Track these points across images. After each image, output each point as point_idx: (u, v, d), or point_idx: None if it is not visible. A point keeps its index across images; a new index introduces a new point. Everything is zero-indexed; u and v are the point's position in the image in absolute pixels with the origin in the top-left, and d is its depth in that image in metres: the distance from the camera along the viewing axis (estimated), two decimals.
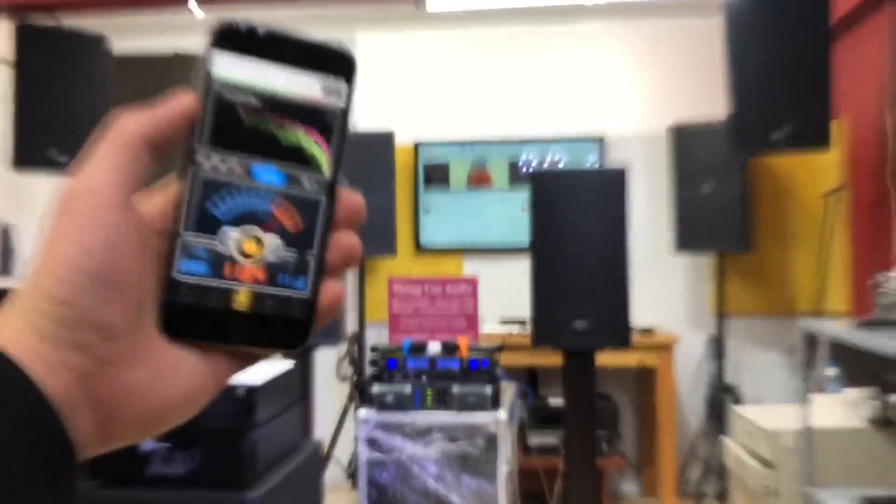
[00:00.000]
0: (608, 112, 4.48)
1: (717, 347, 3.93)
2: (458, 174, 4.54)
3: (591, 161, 4.42)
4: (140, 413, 0.36)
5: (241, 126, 0.38)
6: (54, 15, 3.71)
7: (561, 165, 4.41)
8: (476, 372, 2.71)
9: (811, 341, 2.94)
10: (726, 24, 3.28)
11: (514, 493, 2.89)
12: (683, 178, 3.95)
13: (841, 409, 2.97)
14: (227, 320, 0.38)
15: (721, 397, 3.79)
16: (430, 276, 3.38)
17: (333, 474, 4.00)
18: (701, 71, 4.33)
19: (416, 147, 4.53)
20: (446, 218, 4.54)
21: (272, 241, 0.38)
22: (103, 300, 0.33)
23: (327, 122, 0.39)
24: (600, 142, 4.42)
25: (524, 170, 4.45)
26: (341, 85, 0.40)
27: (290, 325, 0.39)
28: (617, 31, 4.50)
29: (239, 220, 0.38)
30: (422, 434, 2.66)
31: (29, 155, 3.47)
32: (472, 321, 3.22)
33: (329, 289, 0.40)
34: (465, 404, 2.66)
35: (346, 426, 3.98)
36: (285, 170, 0.39)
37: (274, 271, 0.38)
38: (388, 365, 2.75)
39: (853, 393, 3.00)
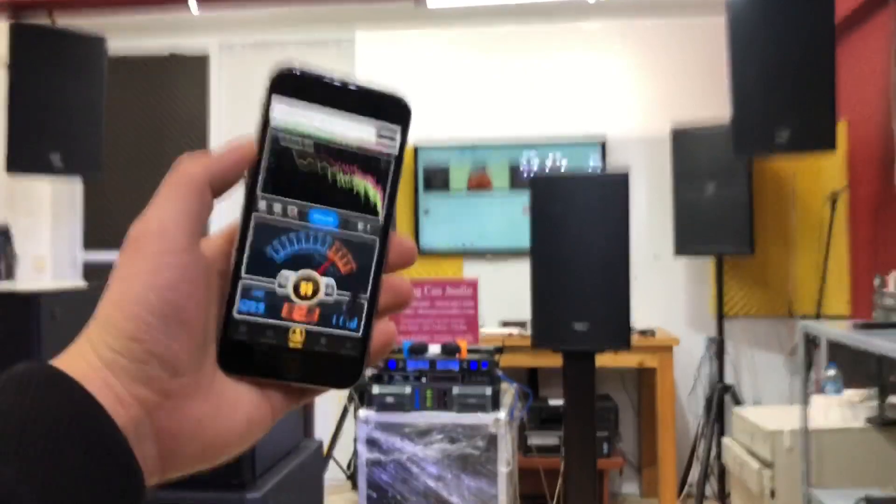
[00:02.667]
0: (609, 114, 4.48)
1: (718, 348, 3.93)
2: (458, 177, 4.54)
3: (592, 164, 4.42)
4: (201, 444, 0.37)
5: (298, 171, 0.39)
6: (50, 14, 3.69)
7: (562, 168, 4.41)
8: (476, 373, 2.72)
9: (811, 342, 2.94)
10: (729, 26, 3.28)
11: (514, 494, 2.90)
12: (685, 180, 3.95)
13: (840, 410, 2.97)
14: (283, 358, 0.39)
15: (721, 398, 3.79)
16: (430, 278, 3.39)
17: (333, 475, 4.01)
18: (703, 72, 4.33)
19: (416, 150, 4.53)
20: (446, 221, 4.54)
21: (327, 283, 0.40)
22: (170, 337, 0.35)
23: (381, 167, 0.41)
24: (602, 144, 4.42)
25: (525, 173, 4.45)
26: (396, 132, 0.41)
27: (343, 363, 0.41)
28: (618, 30, 4.50)
29: (296, 263, 0.39)
30: (422, 435, 2.66)
31: (24, 159, 3.42)
32: (472, 323, 3.22)
33: (383, 328, 0.42)
34: (465, 405, 2.66)
35: (346, 427, 3.98)
36: (341, 213, 0.40)
37: (328, 312, 0.40)
38: (388, 366, 2.76)
39: (852, 394, 3.00)
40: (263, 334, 0.39)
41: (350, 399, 4.02)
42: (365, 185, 0.40)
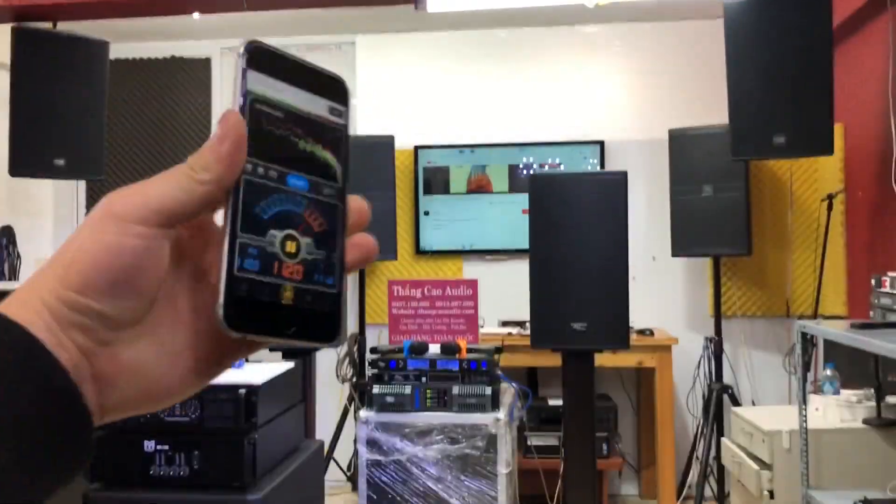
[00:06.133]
0: (608, 116, 4.50)
1: (716, 348, 3.94)
2: (457, 178, 4.55)
3: (590, 165, 4.44)
4: (139, 389, 0.40)
5: (274, 137, 0.42)
6: (53, 19, 3.70)
7: (560, 169, 4.43)
8: (475, 373, 2.73)
9: (808, 342, 2.96)
10: (726, 29, 3.29)
11: (514, 495, 2.91)
12: (683, 182, 3.96)
13: (838, 410, 2.98)
14: (277, 314, 0.41)
15: (719, 398, 3.81)
16: (430, 279, 3.41)
17: (333, 476, 4.02)
18: (700, 75, 4.35)
19: (416, 151, 4.55)
20: (446, 221, 4.55)
21: (306, 242, 0.42)
22: (114, 298, 0.37)
23: (337, 138, 0.44)
24: (600, 146, 4.43)
25: (524, 174, 4.47)
26: (342, 108, 0.45)
27: (324, 319, 0.43)
28: (617, 34, 4.52)
29: (280, 223, 0.41)
30: (422, 435, 2.68)
31: (26, 160, 3.45)
32: (471, 322, 3.23)
33: (359, 241, 0.45)
34: (465, 405, 2.67)
35: (347, 427, 3.99)
36: (310, 179, 0.43)
37: (310, 269, 0.42)
38: (389, 366, 2.77)
39: (850, 394, 3.01)
40: (262, 291, 0.40)
41: (350, 399, 4.04)
42: (327, 153, 0.44)
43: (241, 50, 0.41)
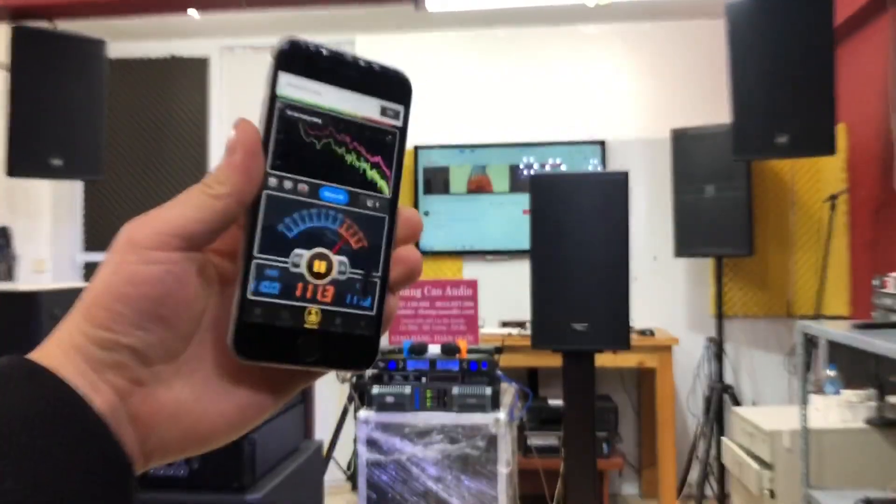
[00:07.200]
0: (609, 116, 4.49)
1: (717, 348, 3.93)
2: (457, 178, 4.54)
3: (591, 165, 4.43)
4: (181, 430, 0.37)
5: (307, 146, 0.38)
6: (51, 18, 3.69)
7: (562, 169, 4.42)
8: (476, 373, 2.72)
9: (810, 343, 2.95)
10: (729, 29, 3.28)
11: (514, 495, 2.90)
12: (685, 182, 3.96)
13: (839, 410, 2.97)
14: (299, 340, 0.38)
15: (720, 398, 3.80)
16: (430, 279, 3.40)
17: (333, 476, 4.01)
18: (703, 74, 4.34)
19: (416, 151, 4.54)
20: (446, 222, 4.54)
21: (340, 260, 0.39)
22: (143, 329, 0.36)
23: (387, 143, 0.40)
24: (601, 146, 4.42)
25: (524, 174, 4.46)
26: (398, 107, 0.41)
27: (358, 343, 0.40)
28: (618, 33, 4.51)
29: (308, 241, 0.38)
30: (421, 435, 2.67)
31: (24, 161, 3.43)
32: (471, 323, 3.22)
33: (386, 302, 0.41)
34: (465, 405, 2.66)
35: (346, 427, 3.98)
36: (350, 191, 0.39)
37: (342, 291, 0.39)
38: (388, 366, 2.76)
39: (851, 394, 3.01)
40: (279, 316, 0.38)
41: (350, 399, 4.03)
42: (372, 161, 0.40)
43: (273, 50, 0.38)
